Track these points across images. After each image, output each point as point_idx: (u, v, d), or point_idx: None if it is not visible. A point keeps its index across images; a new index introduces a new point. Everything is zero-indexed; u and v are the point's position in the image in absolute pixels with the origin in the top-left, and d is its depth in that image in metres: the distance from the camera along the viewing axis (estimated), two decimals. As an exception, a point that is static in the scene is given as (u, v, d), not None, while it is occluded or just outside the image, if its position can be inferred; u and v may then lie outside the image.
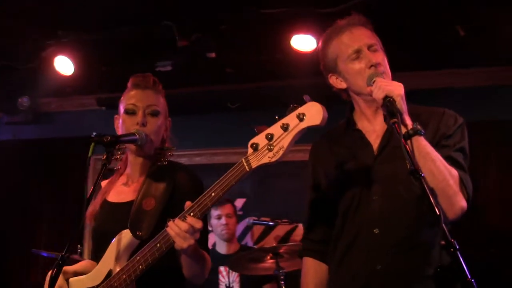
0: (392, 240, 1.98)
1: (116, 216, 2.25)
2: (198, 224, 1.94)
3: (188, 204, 1.97)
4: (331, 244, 2.15)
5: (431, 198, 1.60)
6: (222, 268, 4.29)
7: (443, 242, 1.52)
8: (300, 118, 1.78)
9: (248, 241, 5.17)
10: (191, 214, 1.94)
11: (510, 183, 4.76)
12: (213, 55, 4.43)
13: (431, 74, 4.94)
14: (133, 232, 2.14)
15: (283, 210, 5.08)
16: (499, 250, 4.51)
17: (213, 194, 1.92)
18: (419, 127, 1.85)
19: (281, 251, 3.78)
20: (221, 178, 1.91)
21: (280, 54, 4.51)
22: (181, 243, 1.95)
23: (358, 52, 2.07)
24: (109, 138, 2.13)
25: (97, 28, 4.37)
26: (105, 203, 2.32)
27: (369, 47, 2.08)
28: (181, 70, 4.71)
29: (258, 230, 5.18)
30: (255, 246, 5.06)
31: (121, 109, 2.35)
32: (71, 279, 2.27)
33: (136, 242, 2.14)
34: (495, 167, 4.79)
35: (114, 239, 2.17)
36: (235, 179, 1.88)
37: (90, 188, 2.22)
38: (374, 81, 1.97)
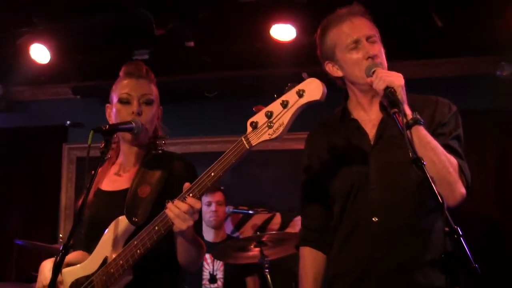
0: (391, 228, 2.01)
1: (111, 204, 2.24)
2: (198, 205, 1.93)
3: (186, 185, 1.97)
4: (329, 233, 2.18)
5: (434, 186, 1.63)
6: (207, 256, 4.28)
7: (447, 229, 1.55)
8: (300, 94, 1.78)
9: (226, 229, 5.19)
10: (190, 195, 1.94)
11: (484, 173, 4.86)
12: (191, 44, 4.40)
13: (407, 64, 4.99)
14: (129, 218, 2.14)
15: (260, 199, 5.11)
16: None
17: (212, 174, 1.91)
18: (418, 116, 1.89)
19: (264, 239, 3.81)
20: (220, 157, 1.90)
21: (259, 43, 4.50)
22: (180, 224, 1.94)
23: (356, 42, 2.09)
24: (107, 126, 2.13)
25: (74, 15, 4.29)
26: (99, 192, 2.30)
27: (368, 38, 2.10)
28: (158, 59, 4.67)
29: (235, 219, 5.20)
30: (234, 235, 5.08)
31: (114, 98, 2.33)
32: (64, 270, 2.24)
33: (131, 228, 2.13)
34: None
35: (109, 226, 2.16)
36: (235, 157, 1.87)
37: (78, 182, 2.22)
38: (374, 71, 1.99)
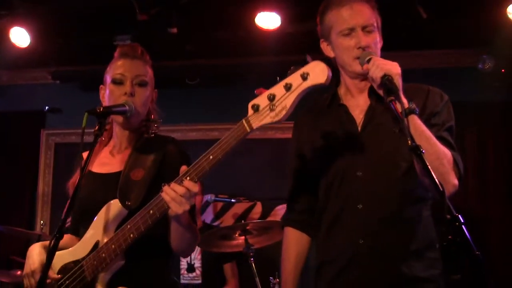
0: (376, 216, 2.01)
1: (102, 187, 2.19)
2: (195, 188, 1.89)
3: (183, 168, 1.92)
4: (315, 216, 2.18)
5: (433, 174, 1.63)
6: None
7: (448, 216, 1.53)
8: (304, 77, 1.76)
9: (206, 218, 5.16)
10: (187, 178, 1.89)
11: (464, 165, 4.90)
12: (174, 30, 4.34)
13: (389, 55, 5.00)
14: (122, 202, 2.10)
15: (241, 188, 5.09)
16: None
17: (211, 157, 1.87)
18: (414, 106, 1.89)
19: (249, 227, 3.81)
20: (219, 140, 1.87)
21: (243, 31, 4.46)
22: (177, 208, 1.90)
23: (351, 30, 2.08)
24: (101, 108, 2.08)
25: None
26: (90, 174, 2.25)
27: (364, 28, 2.09)
28: (141, 45, 4.58)
29: (216, 207, 5.18)
30: (214, 224, 5.06)
31: (108, 79, 2.28)
32: None
33: (124, 212, 2.09)
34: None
35: (101, 209, 2.11)
36: (235, 140, 1.84)
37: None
38: (369, 59, 1.98)
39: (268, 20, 4.25)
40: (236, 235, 3.89)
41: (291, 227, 2.27)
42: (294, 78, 1.77)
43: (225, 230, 4.03)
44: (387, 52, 5.02)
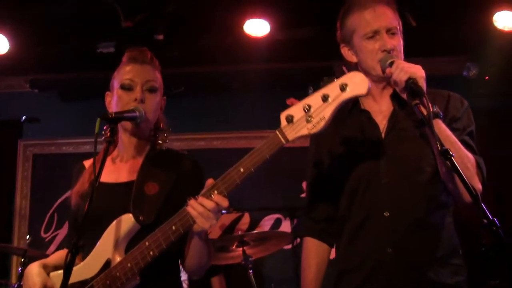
0: (403, 223, 1.98)
1: (110, 197, 2.07)
2: (225, 203, 1.81)
3: (210, 181, 1.84)
4: (336, 224, 2.15)
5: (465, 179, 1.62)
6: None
7: (485, 221, 1.52)
8: (343, 88, 1.74)
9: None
10: (215, 192, 1.81)
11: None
12: (160, 37, 4.23)
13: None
14: (136, 217, 1.99)
15: (229, 198, 4.99)
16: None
17: (242, 169, 1.80)
18: (437, 109, 1.88)
19: (246, 238, 3.78)
20: (251, 151, 1.80)
21: (231, 38, 4.39)
22: (203, 223, 1.82)
23: (375, 32, 2.06)
24: (113, 114, 2.00)
25: (36, 3, 4.07)
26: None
27: (388, 30, 2.07)
28: (125, 52, 4.47)
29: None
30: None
31: (115, 84, 2.18)
32: (52, 274, 2.07)
33: (137, 227, 1.98)
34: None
35: (110, 225, 2.00)
36: (269, 152, 1.78)
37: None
38: (392, 62, 1.97)
39: (257, 27, 4.19)
40: (233, 246, 3.83)
41: (311, 237, 2.22)
42: (331, 89, 1.75)
43: (221, 242, 3.97)
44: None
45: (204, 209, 1.80)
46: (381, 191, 2.02)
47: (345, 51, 2.19)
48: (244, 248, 3.75)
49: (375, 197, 2.02)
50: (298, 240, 4.47)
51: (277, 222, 5.03)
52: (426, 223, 1.99)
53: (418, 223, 1.98)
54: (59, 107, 5.34)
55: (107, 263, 1.97)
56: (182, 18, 4.22)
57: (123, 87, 2.14)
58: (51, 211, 5.21)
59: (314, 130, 1.75)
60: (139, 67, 2.18)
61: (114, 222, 1.99)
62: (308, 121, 1.75)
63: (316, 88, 1.77)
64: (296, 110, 1.77)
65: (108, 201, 2.06)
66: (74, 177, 2.24)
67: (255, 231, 4.48)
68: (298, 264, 4.73)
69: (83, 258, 2.06)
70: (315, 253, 2.20)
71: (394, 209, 1.99)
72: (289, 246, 4.33)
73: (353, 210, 2.07)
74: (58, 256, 2.18)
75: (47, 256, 2.26)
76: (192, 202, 1.82)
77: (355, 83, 1.73)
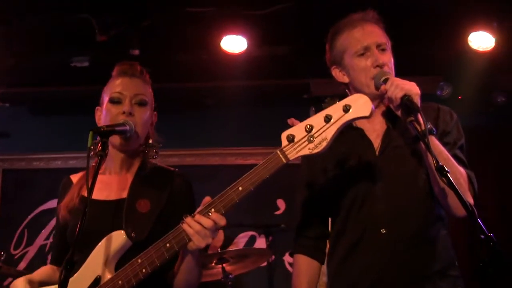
0: (401, 239, 1.99)
1: (100, 215, 2.01)
2: (223, 221, 1.80)
3: (207, 199, 1.82)
4: (329, 241, 2.15)
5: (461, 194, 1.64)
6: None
7: (482, 237, 1.53)
8: (346, 109, 1.76)
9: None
10: (212, 210, 1.79)
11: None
12: (136, 52, 4.17)
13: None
14: (128, 233, 1.94)
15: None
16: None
17: (240, 188, 1.80)
18: (431, 126, 1.89)
19: (225, 256, 3.76)
20: (251, 171, 1.80)
21: (207, 54, 4.36)
22: (199, 242, 1.80)
23: (366, 49, 2.08)
24: (104, 127, 1.95)
25: (7, 17, 3.98)
26: (85, 200, 2.06)
27: (378, 46, 2.09)
28: (100, 67, 4.40)
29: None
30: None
31: (105, 98, 2.14)
32: None
33: (128, 244, 1.94)
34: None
35: (101, 241, 1.94)
36: (269, 172, 1.79)
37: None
38: (386, 79, 1.98)
39: (234, 44, 4.16)
40: (213, 263, 3.80)
41: (302, 254, 2.22)
42: (334, 110, 1.77)
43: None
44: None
45: (201, 227, 1.78)
46: (377, 208, 2.03)
47: (336, 73, 2.20)
48: (224, 265, 3.73)
49: (371, 214, 2.03)
50: (273, 257, 4.45)
51: (252, 239, 4.99)
52: (423, 238, 2.01)
53: (416, 238, 2.00)
54: (29, 122, 5.24)
55: (97, 281, 1.92)
56: (158, 33, 4.18)
57: (112, 100, 2.10)
58: (21, 228, 5.11)
59: (315, 151, 1.77)
60: (128, 80, 2.15)
61: (105, 239, 1.95)
62: (310, 141, 1.78)
63: (319, 109, 1.80)
64: (297, 130, 1.79)
65: (98, 219, 2.00)
66: (62, 191, 2.19)
67: (234, 249, 4.46)
68: (273, 280, 4.68)
69: (71, 275, 1.98)
70: (307, 270, 2.20)
71: (391, 226, 2.00)
72: (265, 263, 4.32)
73: (348, 226, 2.08)
74: (43, 271, 2.13)
75: (21, 272, 2.19)
76: (189, 220, 1.80)
77: (359, 105, 1.75)
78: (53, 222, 4.81)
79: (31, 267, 4.65)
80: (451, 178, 1.68)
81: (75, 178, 2.21)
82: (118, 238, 1.94)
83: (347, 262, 2.07)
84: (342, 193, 2.08)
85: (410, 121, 1.85)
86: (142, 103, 2.11)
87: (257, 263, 4.03)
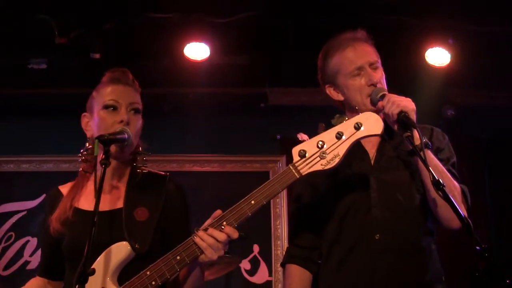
0: (394, 246, 2.04)
1: (97, 226, 1.91)
2: (235, 234, 1.82)
3: (218, 212, 1.84)
4: (322, 250, 2.18)
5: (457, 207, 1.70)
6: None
7: (478, 248, 1.59)
8: (357, 127, 1.82)
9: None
10: (224, 223, 1.81)
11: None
12: (97, 56, 4.10)
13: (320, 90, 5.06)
14: (132, 245, 1.91)
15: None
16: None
17: (253, 201, 1.83)
18: (427, 140, 1.97)
19: None
20: (263, 185, 1.84)
21: (169, 60, 4.33)
22: (212, 255, 1.82)
23: (359, 69, 2.14)
24: (106, 136, 1.91)
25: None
26: (78, 211, 2.02)
27: (371, 65, 2.15)
28: (58, 70, 4.32)
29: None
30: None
31: (96, 105, 2.08)
32: None
33: (131, 256, 1.91)
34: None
35: (103, 252, 1.91)
36: (282, 186, 1.84)
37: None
38: (383, 95, 2.04)
39: (197, 51, 4.15)
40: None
41: (294, 264, 2.24)
42: (346, 127, 1.83)
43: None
44: (304, 88, 5.05)
45: (214, 241, 1.81)
46: (372, 215, 2.07)
47: (330, 91, 2.25)
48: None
49: (365, 221, 2.07)
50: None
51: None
52: (416, 247, 2.06)
53: (408, 246, 2.05)
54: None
55: None
56: (120, 37, 4.13)
57: (107, 107, 2.05)
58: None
59: (328, 167, 1.83)
60: (122, 88, 2.10)
61: (108, 250, 1.91)
62: (322, 157, 1.83)
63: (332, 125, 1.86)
64: (309, 145, 1.85)
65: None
66: (49, 203, 2.13)
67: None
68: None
69: None
70: (299, 280, 2.22)
71: (385, 232, 2.05)
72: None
73: (343, 233, 2.11)
74: (33, 285, 2.10)
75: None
76: (201, 233, 1.81)
77: (370, 123, 1.83)
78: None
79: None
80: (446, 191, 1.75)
81: (64, 189, 2.15)
82: (122, 249, 1.92)
83: (341, 269, 2.11)
84: (336, 202, 2.12)
85: (406, 136, 1.92)
86: (137, 111, 2.09)
87: (225, 270, 4.03)
